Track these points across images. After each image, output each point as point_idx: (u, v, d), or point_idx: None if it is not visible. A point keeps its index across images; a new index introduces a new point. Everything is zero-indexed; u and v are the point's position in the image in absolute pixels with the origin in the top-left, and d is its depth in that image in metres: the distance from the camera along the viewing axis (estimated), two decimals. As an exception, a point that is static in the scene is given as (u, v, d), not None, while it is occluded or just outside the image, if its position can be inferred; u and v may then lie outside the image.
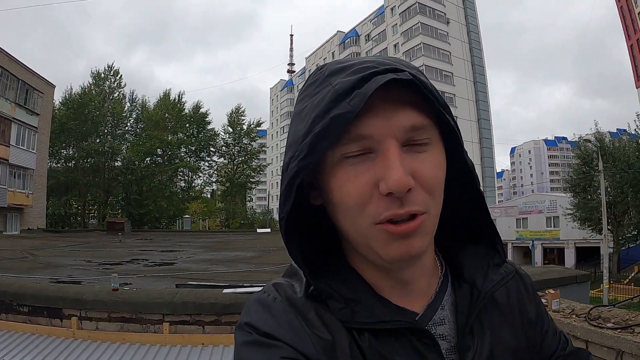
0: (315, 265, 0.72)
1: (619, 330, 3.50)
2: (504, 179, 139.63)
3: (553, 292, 4.38)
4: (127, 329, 5.66)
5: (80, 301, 5.79)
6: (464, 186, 0.75)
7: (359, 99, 0.60)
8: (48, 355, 5.28)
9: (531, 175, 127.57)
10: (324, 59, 77.68)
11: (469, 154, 0.73)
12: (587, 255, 40.32)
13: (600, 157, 28.64)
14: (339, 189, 0.64)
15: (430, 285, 0.75)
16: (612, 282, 26.01)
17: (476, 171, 0.75)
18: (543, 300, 4.36)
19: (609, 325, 3.61)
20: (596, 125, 35.77)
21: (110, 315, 5.73)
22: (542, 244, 45.31)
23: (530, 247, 44.52)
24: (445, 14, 64.06)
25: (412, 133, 0.63)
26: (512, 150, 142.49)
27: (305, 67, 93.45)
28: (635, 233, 34.26)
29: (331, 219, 0.70)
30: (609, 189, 31.65)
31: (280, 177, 0.70)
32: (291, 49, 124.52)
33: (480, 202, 0.77)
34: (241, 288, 6.32)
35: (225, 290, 6.03)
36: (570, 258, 41.80)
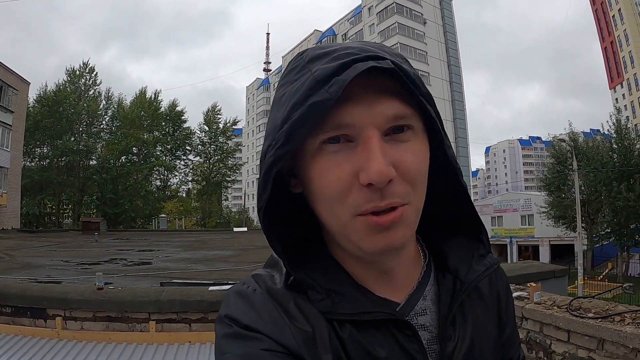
0: (296, 255, 0.71)
1: (599, 320, 3.62)
2: (479, 178, 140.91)
3: (535, 284, 4.50)
4: (112, 328, 5.57)
5: (65, 301, 5.67)
6: (447, 179, 0.74)
7: (337, 86, 0.58)
8: (33, 356, 5.16)
9: (506, 174, 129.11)
10: (301, 58, 77.32)
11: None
12: (562, 252, 40.94)
13: (574, 156, 29.11)
14: (319, 179, 0.63)
15: (413, 275, 0.75)
16: (586, 278, 26.54)
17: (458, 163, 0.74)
18: (524, 293, 4.51)
19: (590, 315, 3.73)
20: (570, 125, 36.37)
21: (96, 314, 5.63)
22: (517, 241, 46.03)
23: (508, 244, 45.31)
24: (422, 14, 64.57)
25: (394, 122, 0.62)
26: (487, 149, 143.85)
27: (281, 65, 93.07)
28: (609, 231, 34.84)
29: (311, 208, 0.69)
30: (582, 188, 32.18)
31: (257, 175, 0.70)
32: (267, 48, 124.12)
33: (463, 194, 0.76)
34: (227, 285, 6.31)
35: (211, 288, 6.00)
36: (544, 255, 42.36)
